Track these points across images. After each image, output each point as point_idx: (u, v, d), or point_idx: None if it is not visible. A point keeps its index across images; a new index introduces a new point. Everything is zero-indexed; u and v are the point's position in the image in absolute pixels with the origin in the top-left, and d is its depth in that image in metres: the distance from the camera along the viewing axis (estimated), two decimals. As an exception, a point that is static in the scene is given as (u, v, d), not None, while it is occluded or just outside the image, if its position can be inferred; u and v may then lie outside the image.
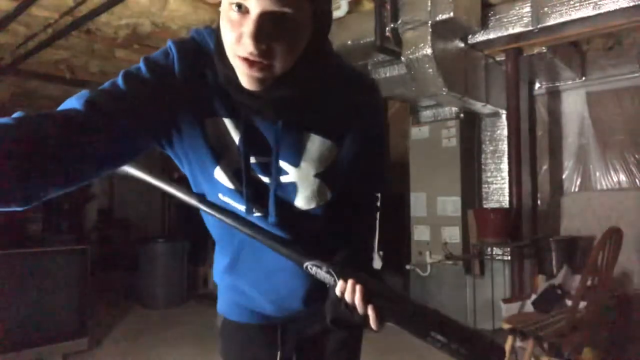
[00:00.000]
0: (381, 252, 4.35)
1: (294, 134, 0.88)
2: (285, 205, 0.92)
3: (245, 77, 0.78)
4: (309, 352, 1.12)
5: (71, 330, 3.49)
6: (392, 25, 3.42)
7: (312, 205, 0.93)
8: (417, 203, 4.52)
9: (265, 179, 0.90)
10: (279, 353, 1.07)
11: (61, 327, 3.44)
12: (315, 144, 0.89)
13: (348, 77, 0.94)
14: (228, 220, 0.90)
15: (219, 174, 0.89)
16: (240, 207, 0.91)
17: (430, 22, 3.28)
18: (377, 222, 1.10)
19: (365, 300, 0.80)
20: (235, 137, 0.87)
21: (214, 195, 0.94)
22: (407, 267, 4.52)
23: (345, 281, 0.81)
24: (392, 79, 4.12)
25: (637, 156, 3.96)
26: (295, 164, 0.89)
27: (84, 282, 3.60)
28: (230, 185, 0.89)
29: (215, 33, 0.83)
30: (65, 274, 3.52)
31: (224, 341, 1.13)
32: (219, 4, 0.79)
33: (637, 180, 3.95)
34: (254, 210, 0.90)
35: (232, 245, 1.00)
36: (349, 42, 3.72)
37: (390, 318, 0.81)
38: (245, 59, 0.75)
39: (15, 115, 0.67)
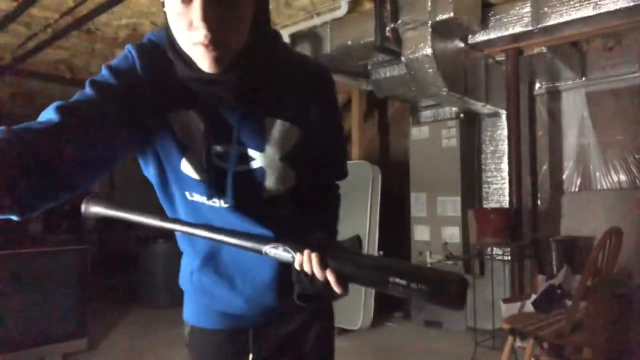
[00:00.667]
0: (381, 252, 4.35)
1: (256, 120, 0.92)
2: (253, 191, 0.94)
3: (205, 61, 0.80)
4: (282, 355, 1.08)
5: (71, 330, 3.49)
6: (392, 25, 3.42)
7: (280, 190, 0.96)
8: (417, 203, 4.53)
9: (227, 167, 0.92)
10: (250, 356, 1.03)
11: (61, 327, 3.44)
12: (277, 128, 0.93)
13: (301, 64, 0.99)
14: (190, 230, 0.92)
15: (185, 166, 0.91)
16: (210, 201, 0.93)
17: (430, 22, 3.28)
18: (339, 206, 1.12)
19: (323, 265, 0.82)
20: (200, 127, 0.89)
21: (182, 197, 0.95)
22: (407, 267, 4.52)
23: (302, 253, 0.84)
24: (392, 79, 4.12)
25: (637, 156, 3.96)
26: (260, 149, 0.92)
27: (84, 282, 3.60)
28: (195, 176, 0.91)
29: (165, 25, 0.85)
30: (65, 274, 3.52)
31: (192, 351, 1.09)
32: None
33: (637, 180, 3.95)
34: (215, 196, 0.92)
35: (207, 242, 0.99)
36: (349, 42, 3.72)
37: (349, 277, 0.82)
38: (200, 43, 0.78)
39: None
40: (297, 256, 0.84)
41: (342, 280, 0.82)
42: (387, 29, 3.44)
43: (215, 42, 0.78)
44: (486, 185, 4.37)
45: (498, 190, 4.29)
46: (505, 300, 3.42)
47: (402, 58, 3.49)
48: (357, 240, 0.90)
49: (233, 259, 0.99)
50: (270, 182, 0.94)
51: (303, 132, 0.96)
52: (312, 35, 3.89)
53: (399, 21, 3.42)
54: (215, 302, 1.04)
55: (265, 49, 0.89)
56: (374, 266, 0.83)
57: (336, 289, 0.82)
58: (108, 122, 0.79)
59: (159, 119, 0.88)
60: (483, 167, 4.39)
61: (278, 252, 0.86)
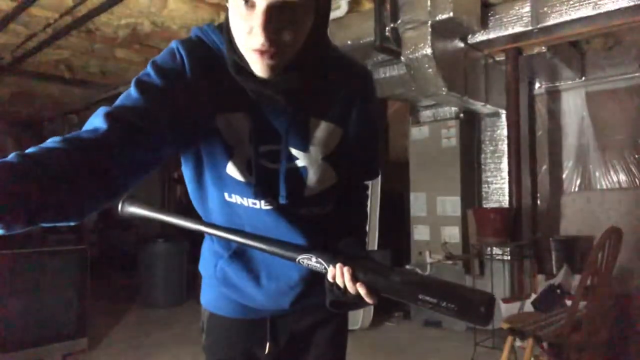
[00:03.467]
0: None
1: (301, 121, 0.94)
2: (295, 190, 0.96)
3: (259, 66, 0.82)
4: (296, 347, 1.12)
5: (71, 330, 3.49)
6: (392, 25, 3.42)
7: (321, 188, 0.98)
8: (417, 203, 4.53)
9: (276, 166, 0.94)
10: (267, 345, 1.07)
11: (61, 327, 3.44)
12: (320, 128, 0.95)
13: (346, 65, 1.01)
14: (225, 235, 0.95)
15: (231, 169, 0.93)
16: (248, 202, 0.94)
17: (430, 22, 3.27)
18: (367, 205, 1.17)
19: (354, 279, 0.85)
20: (247, 129, 0.91)
21: (220, 198, 0.96)
22: (407, 266, 4.52)
23: (334, 267, 0.87)
24: (392, 79, 4.12)
25: (636, 156, 3.96)
26: (304, 149, 0.95)
27: (84, 282, 3.60)
28: (241, 178, 0.93)
29: (223, 27, 0.88)
30: (65, 274, 3.51)
31: (210, 336, 1.11)
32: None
33: (636, 180, 3.95)
34: (261, 197, 0.93)
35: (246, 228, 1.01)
36: (349, 42, 3.72)
37: (380, 290, 0.86)
38: (257, 50, 0.80)
39: (53, 139, 0.70)
40: (330, 269, 0.88)
41: (373, 293, 0.86)
42: (387, 28, 3.44)
43: (271, 53, 0.80)
44: (486, 185, 4.37)
45: (498, 190, 4.29)
46: (505, 300, 3.42)
47: (402, 58, 3.49)
48: (387, 253, 0.93)
49: (263, 257, 1.01)
50: (311, 181, 0.97)
51: (345, 133, 0.99)
52: (311, 35, 3.88)
53: (399, 21, 3.42)
54: (235, 294, 1.06)
55: (318, 56, 0.91)
56: (404, 282, 0.85)
57: (367, 300, 0.86)
58: (155, 128, 0.80)
59: (206, 121, 0.89)
60: (483, 166, 4.39)
61: (311, 262, 0.90)
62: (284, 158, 0.93)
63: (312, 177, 0.96)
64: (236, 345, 1.08)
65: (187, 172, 1.00)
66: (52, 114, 6.81)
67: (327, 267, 0.88)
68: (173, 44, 0.89)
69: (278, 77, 0.85)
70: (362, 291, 0.85)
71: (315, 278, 0.95)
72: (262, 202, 0.94)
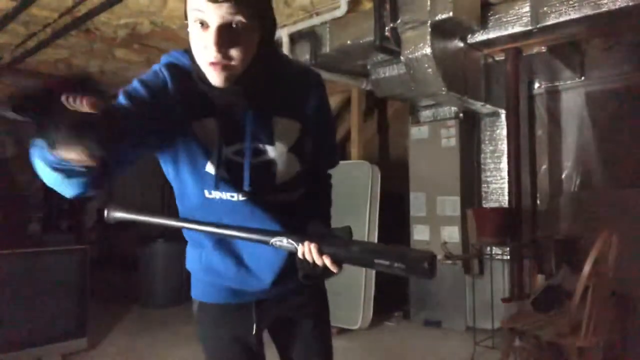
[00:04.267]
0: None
1: (264, 119, 1.09)
2: (268, 180, 1.11)
3: (215, 78, 0.97)
4: (281, 331, 1.27)
5: (70, 330, 3.49)
6: (391, 25, 3.42)
7: (289, 176, 1.13)
8: (417, 203, 4.53)
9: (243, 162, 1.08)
10: (254, 326, 1.18)
11: (60, 327, 3.44)
12: (282, 124, 1.11)
13: (297, 70, 1.19)
14: (207, 229, 1.08)
15: (209, 167, 1.06)
16: (226, 195, 1.08)
17: (429, 21, 3.27)
18: (331, 193, 1.34)
19: (320, 253, 1.01)
20: (217, 132, 1.05)
21: (200, 196, 1.10)
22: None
23: (303, 244, 1.02)
24: (392, 79, 4.12)
25: (636, 156, 3.96)
26: (270, 143, 1.10)
27: (83, 282, 3.60)
28: (215, 173, 1.06)
29: (189, 44, 1.02)
30: (65, 274, 3.52)
31: (201, 324, 1.22)
32: None
33: (637, 180, 3.95)
34: (233, 189, 1.07)
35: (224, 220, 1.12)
36: (349, 42, 3.72)
37: (342, 260, 1.02)
38: (212, 63, 0.95)
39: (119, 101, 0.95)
40: (299, 247, 1.02)
41: (337, 263, 1.01)
42: (387, 28, 3.44)
43: (223, 65, 0.95)
44: (485, 185, 4.37)
45: (497, 189, 4.29)
46: (505, 300, 3.42)
47: (402, 58, 3.48)
48: (348, 228, 1.09)
49: (243, 242, 1.13)
50: (280, 170, 1.11)
51: (303, 126, 1.14)
52: (311, 35, 3.88)
53: (399, 21, 3.42)
54: (221, 278, 1.17)
55: (267, 64, 1.05)
56: (361, 250, 1.02)
57: (332, 269, 1.02)
58: (136, 128, 0.94)
59: (184, 128, 1.04)
60: (482, 166, 4.39)
61: (283, 244, 1.04)
62: (247, 152, 1.07)
63: (280, 167, 1.11)
64: (225, 329, 1.19)
65: (168, 174, 1.14)
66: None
67: (297, 246, 1.02)
68: (156, 67, 1.06)
69: (235, 87, 1.00)
70: (327, 262, 1.00)
71: (292, 260, 1.07)
72: (238, 194, 1.08)
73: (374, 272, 4.19)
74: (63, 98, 0.70)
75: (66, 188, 0.88)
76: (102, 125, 0.74)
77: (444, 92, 3.53)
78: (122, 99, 0.96)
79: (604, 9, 3.04)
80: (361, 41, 3.64)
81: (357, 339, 3.93)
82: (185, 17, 0.97)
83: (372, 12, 3.44)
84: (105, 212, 1.11)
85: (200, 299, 1.22)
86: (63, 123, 0.70)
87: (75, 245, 3.92)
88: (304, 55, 3.91)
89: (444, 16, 3.21)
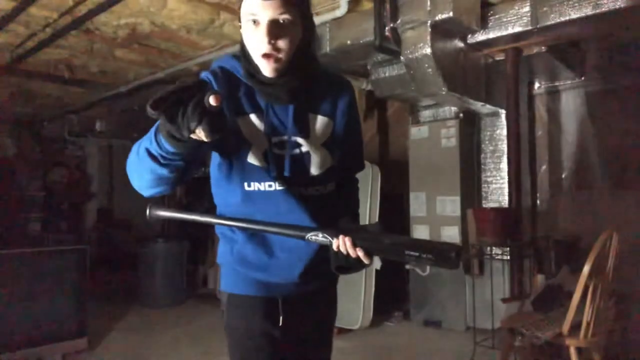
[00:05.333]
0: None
1: (302, 114, 1.22)
2: (302, 171, 1.21)
3: (267, 68, 1.13)
4: (305, 318, 1.32)
5: (71, 330, 3.49)
6: (391, 25, 3.42)
7: (323, 170, 1.24)
8: (417, 203, 4.53)
9: (284, 152, 1.20)
10: (280, 318, 1.25)
11: (61, 327, 3.44)
12: (317, 120, 1.25)
13: (331, 75, 1.34)
14: (243, 225, 1.16)
15: (251, 158, 1.18)
16: (265, 185, 1.18)
17: (429, 21, 3.27)
18: (358, 193, 1.45)
19: (354, 246, 1.09)
20: (260, 126, 1.19)
21: (241, 189, 1.20)
22: (407, 266, 4.53)
23: (337, 238, 1.10)
24: (392, 79, 4.12)
25: (636, 156, 3.96)
26: (306, 136, 1.22)
27: (84, 281, 3.60)
28: (259, 164, 1.18)
29: (239, 52, 1.20)
30: (65, 274, 3.52)
31: (230, 314, 1.28)
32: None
33: (636, 180, 3.95)
34: (274, 178, 1.18)
35: (260, 214, 1.20)
36: (349, 42, 3.72)
37: (374, 252, 1.09)
38: (265, 55, 1.11)
39: None
40: (334, 241, 1.10)
41: (369, 255, 1.09)
42: (387, 28, 3.44)
43: (274, 57, 1.11)
44: (485, 185, 4.37)
45: (497, 189, 4.29)
46: (505, 300, 3.42)
47: (402, 58, 3.49)
48: (378, 224, 1.17)
49: (276, 236, 1.20)
50: (314, 163, 1.22)
51: (334, 125, 1.28)
52: (311, 35, 3.88)
53: (399, 21, 3.42)
54: (252, 269, 1.24)
55: (308, 63, 1.21)
56: (392, 243, 1.08)
57: (365, 261, 1.10)
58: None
59: (230, 124, 1.16)
60: (482, 166, 4.39)
61: (318, 238, 1.11)
62: (289, 144, 1.20)
63: (314, 160, 1.22)
64: (252, 320, 1.24)
65: (214, 169, 1.25)
66: (52, 114, 6.81)
67: (331, 239, 1.10)
68: (203, 74, 1.19)
69: (280, 79, 1.15)
70: (360, 254, 1.08)
71: (320, 254, 1.19)
72: (276, 183, 1.18)
73: (374, 272, 4.19)
74: (206, 97, 0.84)
75: (159, 185, 1.05)
76: (224, 114, 0.94)
77: (444, 92, 3.53)
78: None
79: (604, 9, 3.04)
80: (361, 41, 3.64)
81: (357, 339, 3.93)
82: (239, 20, 1.16)
83: (372, 12, 3.44)
84: (148, 210, 1.20)
85: (230, 291, 1.28)
86: (208, 113, 0.85)
87: (75, 245, 3.92)
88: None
89: (444, 16, 3.21)
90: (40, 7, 3.44)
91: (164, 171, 0.99)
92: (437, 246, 1.07)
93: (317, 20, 3.71)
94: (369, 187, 4.27)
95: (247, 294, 1.25)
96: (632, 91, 3.99)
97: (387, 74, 4.14)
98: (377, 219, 4.28)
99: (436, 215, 4.39)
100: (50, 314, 3.38)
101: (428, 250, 1.03)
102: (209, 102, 0.84)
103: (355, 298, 4.10)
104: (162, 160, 0.97)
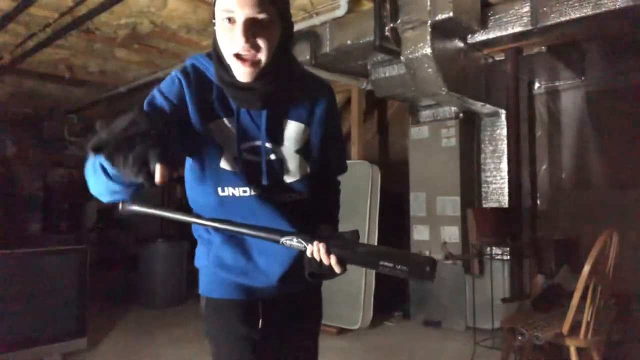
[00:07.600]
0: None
1: (276, 120, 1.16)
2: (276, 178, 1.17)
3: (240, 71, 1.06)
4: (285, 321, 1.29)
5: (70, 330, 3.49)
6: (391, 25, 3.42)
7: (297, 177, 1.19)
8: (417, 203, 4.53)
9: (259, 159, 1.16)
10: (260, 323, 1.22)
11: (60, 327, 3.44)
12: (291, 127, 1.18)
13: (310, 78, 1.27)
14: (220, 225, 1.12)
15: (224, 163, 1.14)
16: (239, 191, 1.14)
17: (429, 21, 3.27)
18: (339, 198, 1.39)
19: (327, 253, 1.05)
20: (233, 130, 1.14)
21: (214, 194, 1.15)
22: (407, 266, 4.52)
23: (312, 244, 1.06)
24: (392, 79, 4.12)
25: (636, 156, 3.96)
26: (280, 143, 1.17)
27: (83, 281, 3.60)
28: (231, 169, 1.14)
29: (213, 44, 1.11)
30: (65, 274, 3.51)
31: (208, 320, 1.24)
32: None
33: (636, 180, 3.95)
34: (248, 184, 1.14)
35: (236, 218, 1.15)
36: (349, 42, 3.72)
37: (348, 260, 1.06)
38: (238, 55, 1.04)
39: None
40: (309, 246, 1.07)
41: (343, 263, 1.06)
42: (387, 28, 3.44)
43: (250, 59, 1.04)
44: (485, 185, 4.37)
45: (497, 189, 4.29)
46: (505, 300, 3.42)
47: (402, 58, 3.48)
48: (356, 232, 1.12)
49: (253, 239, 1.16)
50: (288, 170, 1.18)
51: (311, 131, 1.21)
52: (311, 35, 3.88)
53: (399, 21, 3.42)
54: (230, 272, 1.20)
55: (285, 66, 1.13)
56: (367, 252, 1.08)
57: (337, 269, 1.06)
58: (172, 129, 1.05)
59: (202, 128, 1.11)
60: (482, 166, 4.39)
61: (293, 242, 1.08)
62: (263, 150, 1.15)
63: (288, 167, 1.18)
64: (231, 325, 1.21)
65: (191, 174, 1.19)
66: (52, 114, 6.81)
67: (306, 245, 1.07)
68: (173, 73, 1.14)
69: (254, 83, 1.07)
70: (333, 262, 1.05)
71: (299, 259, 1.13)
72: (251, 188, 1.14)
73: (374, 272, 4.19)
74: (152, 166, 0.82)
75: (116, 193, 0.98)
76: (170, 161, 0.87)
77: (444, 92, 3.53)
78: (145, 107, 1.06)
79: (604, 9, 3.04)
80: (361, 41, 3.64)
81: (357, 339, 3.93)
82: (213, 17, 1.07)
83: (372, 12, 3.44)
84: (120, 205, 1.11)
85: (208, 295, 1.24)
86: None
87: (74, 245, 3.91)
88: (304, 55, 3.92)
89: (444, 16, 3.21)
90: (40, 7, 3.44)
91: (116, 187, 0.94)
92: (413, 258, 1.05)
93: (317, 20, 3.72)
94: (369, 187, 4.27)
95: (225, 297, 1.22)
96: (632, 91, 3.99)
97: (387, 74, 4.14)
98: (377, 219, 4.28)
99: (436, 215, 4.39)
100: (50, 314, 3.38)
101: (403, 262, 1.02)
102: (154, 172, 0.80)
103: (355, 298, 4.10)
104: (114, 178, 0.91)
